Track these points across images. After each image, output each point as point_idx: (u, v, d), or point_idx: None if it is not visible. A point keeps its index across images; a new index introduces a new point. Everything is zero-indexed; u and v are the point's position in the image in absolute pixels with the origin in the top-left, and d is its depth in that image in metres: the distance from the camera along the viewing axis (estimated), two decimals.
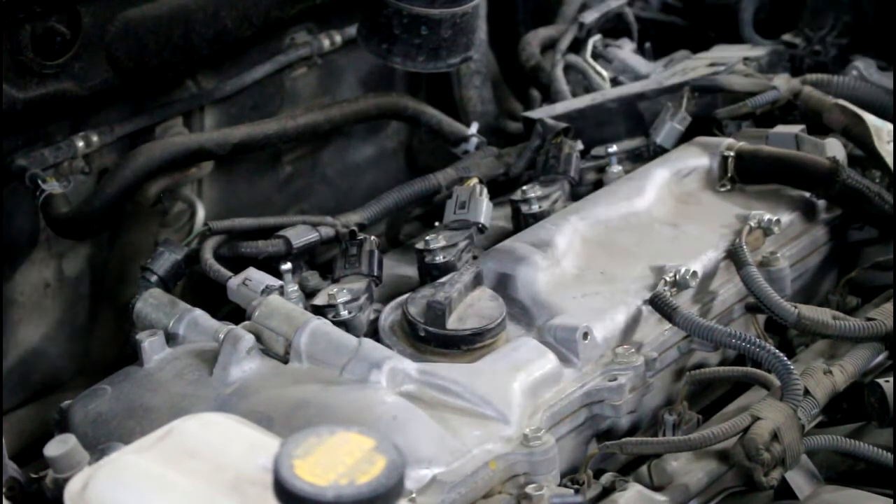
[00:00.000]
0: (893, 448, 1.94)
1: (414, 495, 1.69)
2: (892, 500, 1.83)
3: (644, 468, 1.90)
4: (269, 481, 1.30)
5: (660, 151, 2.45)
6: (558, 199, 2.34)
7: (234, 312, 2.13)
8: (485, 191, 2.27)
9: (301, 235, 2.20)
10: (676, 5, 3.13)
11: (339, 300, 2.02)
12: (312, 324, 1.92)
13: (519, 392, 1.86)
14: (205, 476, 1.42)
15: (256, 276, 2.06)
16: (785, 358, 1.93)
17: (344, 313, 2.01)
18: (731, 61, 2.65)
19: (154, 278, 2.15)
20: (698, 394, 2.09)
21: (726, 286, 2.16)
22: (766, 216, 2.22)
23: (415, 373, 1.87)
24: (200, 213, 2.56)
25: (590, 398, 1.93)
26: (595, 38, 2.84)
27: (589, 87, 2.74)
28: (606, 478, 1.84)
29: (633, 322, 2.04)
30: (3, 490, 1.72)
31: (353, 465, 1.29)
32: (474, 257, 2.16)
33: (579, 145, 2.44)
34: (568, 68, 2.77)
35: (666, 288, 2.05)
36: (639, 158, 2.47)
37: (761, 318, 2.15)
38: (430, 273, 2.13)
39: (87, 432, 1.89)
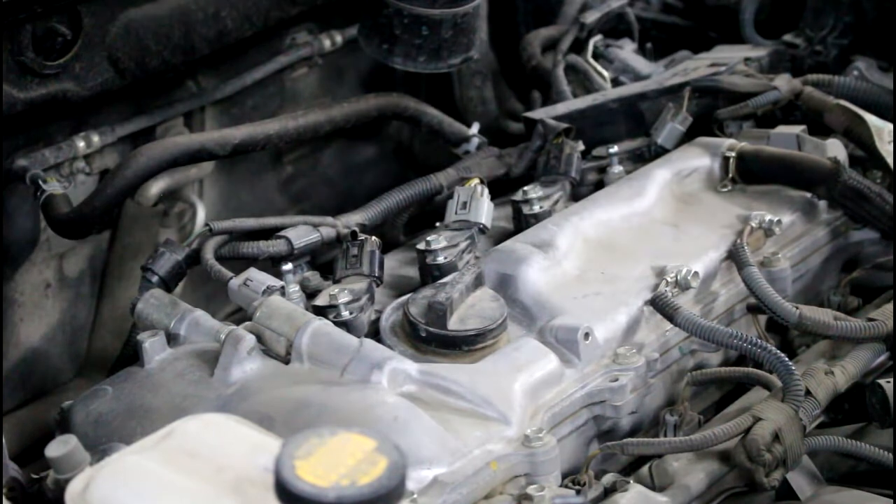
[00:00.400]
0: (894, 449, 1.94)
1: (415, 496, 1.69)
2: (892, 501, 1.83)
3: (645, 469, 1.90)
4: (271, 482, 1.30)
5: (661, 152, 2.45)
6: (559, 200, 2.34)
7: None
8: (486, 191, 2.27)
9: (302, 236, 2.19)
10: (677, 6, 3.13)
11: (340, 301, 2.02)
12: (313, 324, 1.92)
13: (520, 393, 1.86)
14: (206, 477, 1.42)
15: (257, 277, 2.06)
16: (786, 358, 1.93)
17: (345, 314, 2.01)
18: (732, 62, 2.64)
19: (155, 279, 2.14)
20: (699, 394, 2.09)
21: (727, 287, 2.16)
22: (768, 217, 2.22)
23: (416, 373, 1.86)
24: (201, 214, 2.56)
25: (591, 399, 1.93)
26: (596, 39, 2.84)
27: (590, 88, 2.74)
28: (608, 478, 1.84)
29: (635, 322, 2.04)
30: (4, 490, 1.71)
31: (354, 466, 1.29)
32: (476, 258, 2.16)
33: (580, 146, 2.44)
34: (569, 69, 2.77)
35: (667, 288, 2.05)
36: (640, 159, 2.47)
37: (762, 318, 2.14)
38: (432, 273, 2.13)
39: (88, 433, 1.89)
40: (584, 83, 2.76)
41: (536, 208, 2.29)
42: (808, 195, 2.33)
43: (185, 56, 2.43)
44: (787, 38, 2.82)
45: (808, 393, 1.93)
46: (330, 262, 2.22)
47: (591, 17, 2.85)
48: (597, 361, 1.96)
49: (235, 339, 1.91)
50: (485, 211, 2.23)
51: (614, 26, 2.93)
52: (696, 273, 2.09)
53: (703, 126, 2.50)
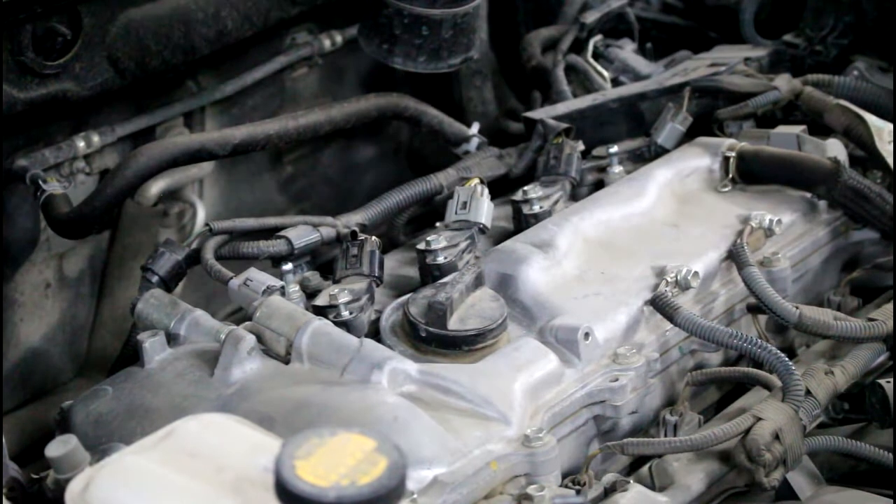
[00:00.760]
0: (894, 449, 1.94)
1: (415, 496, 1.68)
2: (893, 502, 1.83)
3: (645, 469, 1.90)
4: (271, 482, 1.30)
5: (661, 152, 2.45)
6: (559, 200, 2.34)
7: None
8: (486, 191, 2.27)
9: (302, 236, 2.19)
10: (677, 6, 3.13)
11: (340, 301, 2.02)
12: (314, 324, 1.92)
13: (520, 393, 1.86)
14: (206, 477, 1.42)
15: (257, 277, 2.06)
16: (786, 358, 1.94)
17: (345, 314, 2.01)
18: (732, 62, 2.64)
19: (155, 279, 2.14)
20: (699, 394, 2.09)
21: (727, 287, 2.16)
22: (768, 217, 2.22)
23: (416, 373, 1.86)
24: (201, 214, 2.56)
25: (591, 399, 1.93)
26: (596, 39, 2.84)
27: (590, 88, 2.74)
28: (608, 478, 1.84)
29: (635, 322, 2.04)
30: (4, 490, 1.72)
31: (354, 466, 1.29)
32: (476, 258, 2.16)
33: (580, 146, 2.44)
34: (569, 69, 2.77)
35: (667, 288, 2.05)
36: (640, 159, 2.47)
37: (762, 318, 2.14)
38: (432, 273, 2.13)
39: (88, 433, 1.88)
40: (584, 83, 2.76)
41: (536, 208, 2.29)
42: (808, 195, 2.33)
43: (185, 56, 2.43)
44: (787, 38, 2.82)
45: (808, 393, 1.93)
46: (330, 262, 2.22)
47: (591, 17, 2.85)
48: (597, 361, 1.96)
49: (235, 339, 1.91)
50: (485, 211, 2.23)
51: (614, 26, 2.93)
52: (696, 273, 2.09)
53: (703, 126, 2.50)
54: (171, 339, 2.01)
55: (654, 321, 2.05)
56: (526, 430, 1.80)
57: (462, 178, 2.40)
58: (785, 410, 1.89)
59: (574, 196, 2.39)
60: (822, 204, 2.34)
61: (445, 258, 2.13)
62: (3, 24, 2.13)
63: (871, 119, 2.40)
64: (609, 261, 2.13)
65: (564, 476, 1.85)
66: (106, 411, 1.92)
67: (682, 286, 2.08)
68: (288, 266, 2.11)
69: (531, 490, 1.76)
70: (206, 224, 2.24)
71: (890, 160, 2.35)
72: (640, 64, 2.81)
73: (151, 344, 1.97)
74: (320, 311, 2.01)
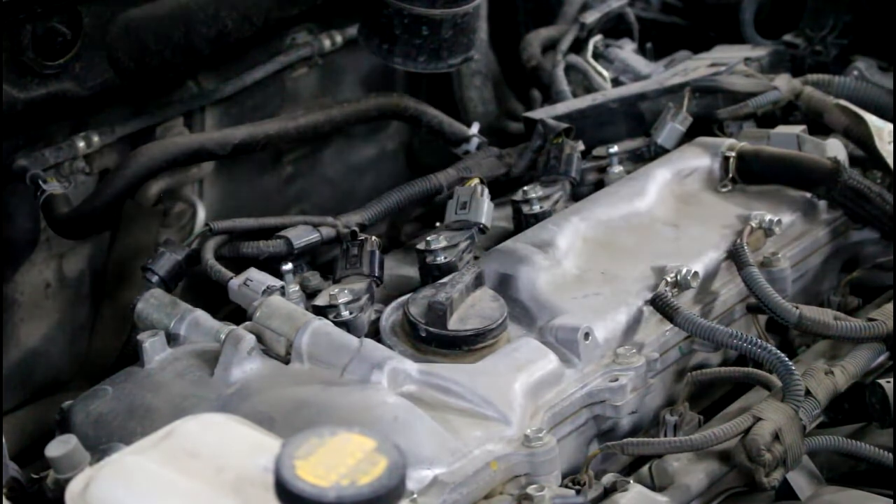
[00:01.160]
0: (894, 449, 1.94)
1: (415, 496, 1.69)
2: (893, 502, 1.83)
3: (645, 469, 1.90)
4: (271, 482, 1.29)
5: (661, 152, 2.45)
6: (559, 200, 2.34)
7: (234, 313, 2.13)
8: (486, 191, 2.27)
9: (302, 236, 2.19)
10: (677, 5, 3.13)
11: (340, 301, 2.02)
12: (313, 324, 1.92)
13: (520, 393, 1.86)
14: (206, 477, 1.42)
15: (257, 277, 2.06)
16: (786, 358, 1.93)
17: (345, 314, 2.01)
18: (732, 62, 2.64)
19: (155, 279, 2.14)
20: (699, 394, 2.09)
21: (727, 287, 2.16)
22: (768, 217, 2.22)
23: (416, 373, 1.86)
24: (201, 214, 2.56)
25: (591, 399, 1.93)
26: (596, 39, 2.84)
27: (590, 88, 2.74)
28: (608, 478, 1.84)
29: (635, 322, 2.04)
30: (4, 490, 1.72)
31: (354, 466, 1.29)
32: (475, 258, 2.16)
33: (580, 146, 2.44)
34: (569, 69, 2.77)
35: (667, 288, 2.05)
36: (640, 159, 2.47)
37: (762, 318, 2.14)
38: (432, 273, 2.13)
39: (88, 433, 1.88)
40: (584, 83, 2.76)
41: (536, 208, 2.29)
42: (808, 195, 2.33)
43: (185, 56, 2.43)
44: (787, 38, 2.82)
45: (808, 393, 1.93)
46: (330, 263, 2.22)
47: (591, 17, 2.86)
48: (597, 361, 1.96)
49: (235, 339, 1.91)
50: (485, 211, 2.23)
51: (614, 26, 2.93)
52: (696, 273, 2.09)
53: (703, 126, 2.50)
54: (171, 339, 2.01)
55: (654, 321, 2.05)
56: (526, 430, 1.80)
57: (462, 178, 2.39)
58: (785, 410, 1.89)
59: (574, 196, 2.39)
60: (822, 204, 2.34)
61: (445, 258, 2.13)
62: (3, 24, 2.13)
63: (871, 119, 2.41)
64: (609, 261, 2.13)
65: (564, 476, 1.85)
66: (106, 411, 1.92)
67: (682, 286, 2.08)
68: (288, 266, 2.11)
69: (531, 490, 1.76)
70: (206, 224, 2.24)
71: (890, 160, 2.35)
72: (640, 64, 2.81)
73: (151, 344, 1.97)
74: (320, 311, 2.01)
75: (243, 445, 1.46)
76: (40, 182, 2.30)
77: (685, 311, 2.01)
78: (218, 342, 1.95)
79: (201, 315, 2.03)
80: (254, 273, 2.07)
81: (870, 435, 2.02)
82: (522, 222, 2.29)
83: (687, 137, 2.47)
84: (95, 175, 2.45)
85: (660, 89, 2.57)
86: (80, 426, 1.92)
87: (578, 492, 1.80)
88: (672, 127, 2.47)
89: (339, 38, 2.77)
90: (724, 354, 2.14)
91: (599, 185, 2.41)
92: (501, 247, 2.14)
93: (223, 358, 1.91)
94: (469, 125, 2.63)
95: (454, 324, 1.96)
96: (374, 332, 2.02)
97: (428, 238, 2.16)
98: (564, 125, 2.48)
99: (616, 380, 1.93)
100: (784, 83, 2.51)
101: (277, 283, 2.06)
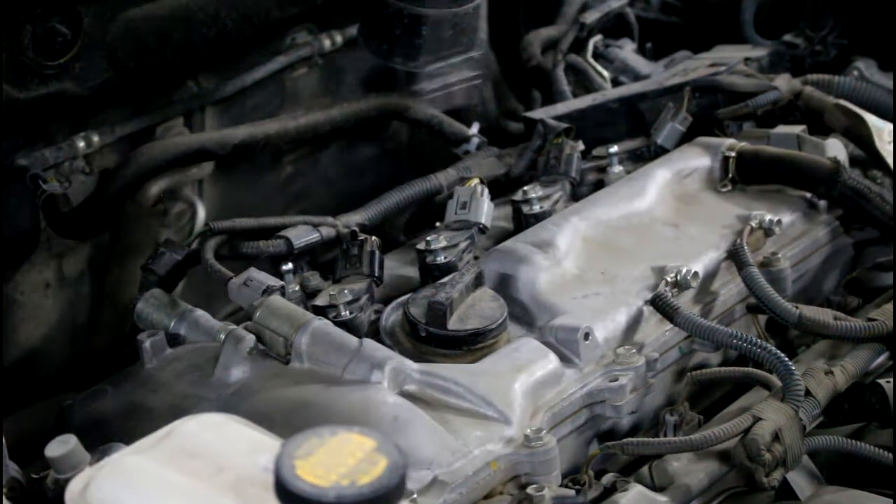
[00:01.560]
0: (894, 448, 1.94)
1: (415, 496, 1.69)
2: (893, 502, 1.83)
3: (645, 469, 1.89)
4: (271, 482, 1.29)
5: (661, 152, 2.45)
6: (559, 200, 2.34)
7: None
8: (486, 191, 2.27)
9: (302, 236, 2.19)
10: (677, 5, 3.14)
11: (340, 300, 2.02)
12: (313, 324, 1.92)
13: (520, 392, 1.86)
14: (206, 477, 1.41)
15: (257, 277, 2.06)
16: (786, 358, 1.93)
17: (345, 314, 2.01)
18: (732, 61, 2.65)
19: (155, 279, 2.14)
20: (699, 394, 2.09)
21: (727, 287, 2.16)
22: (768, 217, 2.22)
23: (416, 373, 1.86)
24: (201, 214, 2.56)
25: (591, 399, 1.93)
26: (596, 39, 2.85)
27: (590, 88, 2.74)
28: (608, 478, 1.84)
29: (635, 322, 2.04)
30: (4, 490, 1.71)
31: (354, 466, 1.29)
32: (475, 258, 2.16)
33: (580, 145, 2.44)
34: (569, 68, 2.77)
35: (667, 288, 2.05)
36: (640, 159, 2.48)
37: (762, 318, 2.14)
38: (432, 273, 2.13)
39: (88, 433, 1.88)
40: (584, 83, 2.77)
41: (536, 208, 2.29)
42: (808, 195, 2.33)
43: (185, 56, 2.43)
44: (787, 38, 2.82)
45: (807, 393, 1.93)
46: (330, 262, 2.22)
47: (591, 17, 2.86)
48: (597, 361, 1.97)
49: (235, 339, 1.91)
50: (485, 211, 2.23)
51: (614, 26, 2.93)
52: (695, 273, 2.09)
53: (703, 126, 2.50)
54: (171, 339, 2.01)
55: (653, 321, 2.06)
56: (526, 430, 1.80)
57: (462, 178, 2.40)
58: (785, 410, 1.89)
59: (574, 196, 2.39)
60: (822, 204, 2.34)
61: (445, 258, 2.13)
62: (3, 24, 2.13)
63: (871, 119, 2.41)
64: (609, 261, 2.13)
65: (564, 476, 1.85)
66: (106, 411, 1.93)
67: (682, 286, 2.08)
68: (288, 266, 2.11)
69: (531, 490, 1.76)
70: (206, 224, 2.24)
71: (890, 160, 2.35)
72: (640, 64, 2.81)
73: (151, 344, 1.97)
74: (320, 311, 2.01)
75: (243, 445, 1.46)
76: (40, 182, 2.30)
77: (685, 311, 2.01)
78: (218, 342, 1.95)
79: (201, 315, 2.03)
80: (254, 273, 2.07)
81: (870, 435, 2.02)
82: (522, 222, 2.29)
83: (687, 137, 2.47)
84: (95, 175, 2.45)
85: (660, 89, 2.57)
86: (79, 426, 1.92)
87: (578, 492, 1.80)
88: (672, 127, 2.47)
89: (339, 38, 2.76)
90: (724, 354, 2.14)
91: (599, 185, 2.41)
92: (501, 247, 2.14)
93: (223, 358, 1.91)
94: (469, 125, 2.63)
95: (454, 324, 1.96)
96: (374, 332, 2.02)
97: (428, 238, 2.16)
98: (564, 125, 2.48)
99: (616, 380, 1.93)
100: (784, 83, 2.52)
101: (277, 283, 2.06)
